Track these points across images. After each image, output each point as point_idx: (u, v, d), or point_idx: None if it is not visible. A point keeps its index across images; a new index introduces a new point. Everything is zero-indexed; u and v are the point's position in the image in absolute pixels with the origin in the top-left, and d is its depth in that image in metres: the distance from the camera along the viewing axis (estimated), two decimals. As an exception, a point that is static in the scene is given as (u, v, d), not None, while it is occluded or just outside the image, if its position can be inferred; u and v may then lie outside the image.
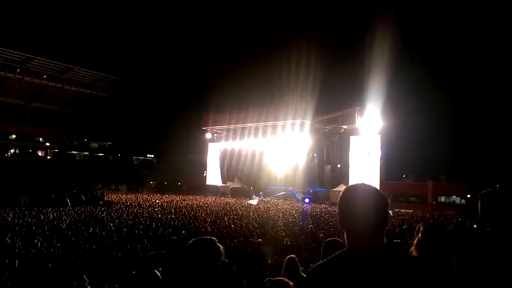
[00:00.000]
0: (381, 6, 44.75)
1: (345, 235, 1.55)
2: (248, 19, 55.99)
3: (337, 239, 3.05)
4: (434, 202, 32.58)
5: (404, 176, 39.30)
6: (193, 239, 2.34)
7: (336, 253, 1.54)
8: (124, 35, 52.57)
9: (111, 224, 12.36)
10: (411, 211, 22.28)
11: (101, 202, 24.45)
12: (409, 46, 39.86)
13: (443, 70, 39.36)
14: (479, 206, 2.37)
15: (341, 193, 1.60)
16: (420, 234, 2.32)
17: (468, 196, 28.08)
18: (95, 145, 58.18)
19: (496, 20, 37.07)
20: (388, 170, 37.06)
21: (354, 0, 46.89)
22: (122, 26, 51.93)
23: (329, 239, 3.04)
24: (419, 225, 2.50)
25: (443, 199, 33.76)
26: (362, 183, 1.60)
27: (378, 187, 1.69)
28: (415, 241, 2.29)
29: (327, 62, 39.08)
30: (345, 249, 1.52)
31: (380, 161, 35.69)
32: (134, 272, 5.70)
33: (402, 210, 21.92)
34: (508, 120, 34.70)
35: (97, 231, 10.57)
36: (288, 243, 9.18)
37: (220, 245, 2.23)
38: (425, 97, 36.12)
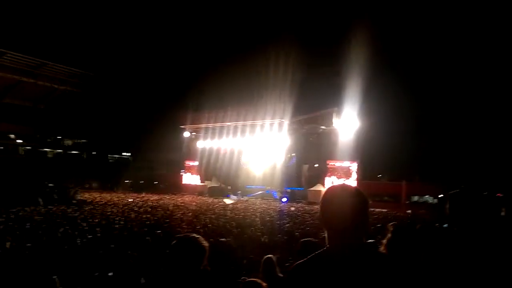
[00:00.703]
0: (358, 12, 45.59)
1: (326, 234, 1.56)
2: (227, 20, 55.83)
3: (312, 239, 3.08)
4: (407, 202, 33.40)
5: (379, 176, 40.11)
6: (178, 237, 2.27)
7: (317, 252, 1.55)
8: (100, 30, 51.42)
9: (84, 224, 12.08)
10: (385, 210, 22.74)
11: (75, 201, 23.83)
12: (384, 51, 40.74)
13: (415, 75, 40.44)
14: (447, 206, 2.47)
15: (323, 193, 1.62)
16: (389, 234, 2.38)
17: (440, 196, 28.90)
18: (69, 142, 56.71)
19: (461, 29, 38.44)
20: (363, 170, 37.76)
21: (332, 5, 47.50)
22: (98, 21, 50.79)
23: (304, 239, 3.07)
24: (389, 224, 2.56)
25: (416, 198, 34.66)
26: (344, 184, 1.64)
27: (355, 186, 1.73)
28: (384, 241, 2.35)
29: (305, 63, 39.35)
30: (325, 248, 1.54)
31: (357, 161, 36.32)
32: (108, 273, 5.59)
33: (376, 209, 22.36)
34: (477, 124, 35.96)
35: (70, 231, 10.30)
36: (266, 241, 9.21)
37: (205, 244, 2.17)
38: (400, 100, 36.98)
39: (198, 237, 2.22)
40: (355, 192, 1.57)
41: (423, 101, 39.08)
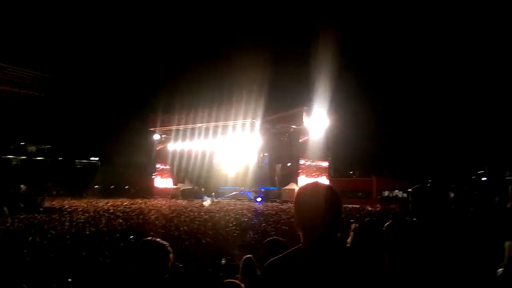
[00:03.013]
0: (326, 13, 46.41)
1: (300, 232, 1.58)
2: (195, 20, 55.39)
3: (277, 238, 3.11)
4: (378, 197, 34.27)
5: (350, 172, 40.95)
6: (140, 242, 2.29)
7: (291, 249, 1.57)
8: (63, 31, 49.73)
9: (53, 232, 11.64)
10: (358, 206, 23.23)
11: (42, 209, 22.94)
12: (351, 50, 41.73)
13: (380, 73, 41.69)
14: (409, 200, 2.59)
15: (296, 192, 1.64)
16: (352, 232, 2.46)
17: (409, 190, 29.85)
18: (33, 148, 54.45)
19: (427, 33, 39.98)
20: (335, 168, 38.45)
21: (300, 6, 48.12)
22: (60, 22, 49.09)
23: (269, 238, 3.10)
24: (352, 223, 2.62)
25: (386, 193, 35.63)
26: (315, 182, 1.66)
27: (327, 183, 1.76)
28: (349, 239, 2.41)
29: (274, 63, 39.66)
30: (299, 245, 1.55)
31: (328, 159, 36.92)
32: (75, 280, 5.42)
33: (349, 205, 22.78)
34: (442, 121, 37.43)
35: (37, 239, 9.91)
36: (243, 241, 9.20)
37: (167, 245, 2.19)
38: (367, 98, 38.01)
39: (158, 240, 2.25)
40: (327, 190, 1.59)
41: (389, 98, 40.28)
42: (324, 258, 1.47)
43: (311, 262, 1.47)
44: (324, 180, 32.78)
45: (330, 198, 1.56)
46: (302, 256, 1.50)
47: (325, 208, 1.53)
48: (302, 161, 35.52)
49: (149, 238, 2.30)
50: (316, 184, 1.65)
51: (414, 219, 2.66)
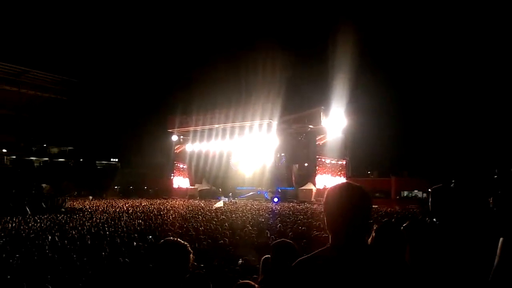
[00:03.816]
0: (344, 12, 46.01)
1: (329, 233, 1.57)
2: (214, 22, 55.76)
3: (286, 240, 3.08)
4: (397, 197, 33.73)
5: (368, 172, 40.46)
6: (160, 242, 2.31)
7: (320, 249, 1.57)
8: (84, 36, 50.82)
9: (73, 232, 11.89)
10: (376, 206, 22.90)
11: (63, 210, 23.48)
12: (370, 49, 41.24)
13: (401, 73, 41.03)
14: (430, 200, 2.53)
15: (326, 192, 1.62)
16: (373, 233, 2.42)
17: (429, 190, 29.29)
18: (55, 150, 55.84)
19: (442, 31, 39.21)
20: (353, 167, 38.05)
21: (319, 5, 47.87)
22: (81, 27, 50.19)
23: (278, 240, 3.06)
24: (371, 224, 2.57)
25: (405, 193, 35.03)
26: (347, 182, 1.63)
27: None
28: (369, 240, 2.38)
29: (292, 63, 39.54)
30: (327, 246, 1.55)
31: (346, 159, 36.58)
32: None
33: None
34: (463, 121, 36.59)
35: (58, 239, 10.13)
36: (260, 242, 9.17)
37: (187, 245, 2.20)
38: (386, 97, 37.44)
39: (179, 241, 2.25)
40: (358, 191, 1.57)
41: (408, 98, 39.62)
42: (352, 259, 1.46)
43: (339, 263, 1.46)
44: (342, 180, 32.49)
45: (361, 200, 1.55)
46: (330, 257, 1.50)
47: (355, 210, 1.52)
48: (319, 161, 35.28)
49: (170, 238, 2.31)
50: (347, 184, 1.63)
51: (434, 220, 2.60)
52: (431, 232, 2.36)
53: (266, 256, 3.18)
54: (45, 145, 53.65)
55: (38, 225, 14.72)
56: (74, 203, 28.42)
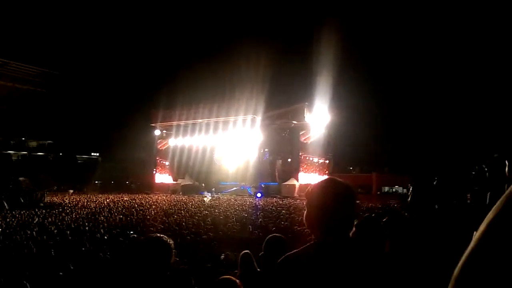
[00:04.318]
0: (328, 9, 46.26)
1: (312, 229, 1.57)
2: (197, 17, 55.18)
3: (278, 235, 3.11)
4: (378, 193, 34.28)
5: (350, 168, 40.95)
6: (142, 238, 2.29)
7: (305, 245, 1.57)
8: (64, 27, 49.62)
9: (53, 227, 11.67)
10: (358, 202, 23.18)
11: (42, 205, 23.00)
12: (352, 46, 41.61)
13: (381, 71, 41.61)
14: (410, 196, 2.62)
15: (310, 188, 1.62)
16: (354, 228, 2.47)
17: (409, 185, 29.84)
18: (34, 144, 54.57)
19: (423, 29, 39.87)
20: (335, 163, 38.45)
21: (303, 2, 48.00)
22: (61, 17, 48.98)
23: (270, 235, 3.08)
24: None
25: (386, 189, 35.63)
26: (331, 178, 1.63)
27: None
28: (350, 234, 2.43)
29: (275, 58, 39.62)
30: (312, 242, 1.56)
31: (329, 155, 36.91)
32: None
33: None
34: (442, 118, 37.36)
35: (37, 235, 9.92)
36: (243, 237, 9.20)
37: (170, 242, 2.19)
38: (368, 94, 37.95)
39: (162, 236, 2.24)
40: (343, 187, 1.57)
41: (390, 95, 40.21)
42: (338, 255, 1.47)
43: (326, 258, 1.47)
44: (325, 176, 32.84)
45: (346, 195, 1.55)
46: (316, 253, 1.50)
47: (341, 206, 1.52)
48: (302, 157, 35.51)
49: (153, 234, 2.29)
50: (332, 180, 1.63)
51: (413, 214, 2.67)
52: (410, 226, 2.42)
53: (245, 251, 3.20)
54: (23, 138, 52.36)
55: (16, 220, 14.40)
56: (54, 198, 27.87)
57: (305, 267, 1.48)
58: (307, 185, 22.46)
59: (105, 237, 9.49)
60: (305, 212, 1.61)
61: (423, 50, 40.03)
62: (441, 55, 38.65)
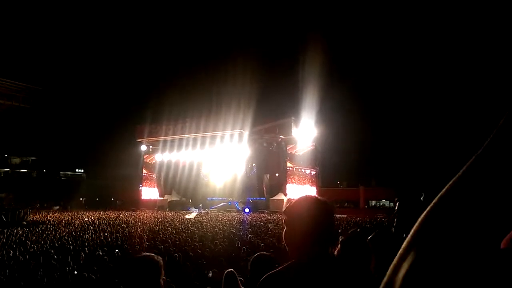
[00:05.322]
0: (314, 25, 47.12)
1: (290, 246, 1.57)
2: (183, 32, 55.57)
3: (264, 253, 3.09)
4: (366, 206, 34.44)
5: (338, 182, 41.13)
6: (132, 257, 2.25)
7: (286, 264, 1.57)
8: (48, 42, 49.32)
9: (36, 246, 11.37)
10: (345, 216, 23.28)
11: (25, 223, 22.42)
12: (339, 61, 42.29)
13: (369, 84, 42.32)
14: (396, 213, 2.63)
15: (287, 207, 1.63)
16: (339, 245, 2.47)
17: (396, 199, 30.08)
18: (16, 160, 53.49)
19: (411, 45, 40.82)
20: (323, 177, 38.61)
21: (288, 18, 48.84)
22: (44, 32, 48.70)
23: (256, 254, 3.07)
24: (339, 235, 2.63)
25: (373, 203, 35.83)
26: (307, 196, 1.64)
27: (316, 194, 1.76)
28: (335, 252, 2.42)
29: (262, 74, 39.96)
30: (293, 260, 1.55)
31: (316, 169, 37.06)
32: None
33: (337, 216, 22.82)
34: (428, 131, 37.97)
35: (19, 254, 9.65)
36: (231, 253, 9.11)
37: (159, 260, 2.16)
38: (354, 108, 38.43)
39: (151, 255, 2.21)
40: (319, 203, 1.59)
41: (375, 109, 40.80)
42: (319, 273, 1.46)
43: (304, 278, 1.46)
44: (312, 191, 32.89)
45: (323, 211, 1.55)
46: (297, 272, 1.48)
47: (319, 221, 1.52)
48: (290, 171, 35.57)
49: (142, 253, 2.25)
50: (307, 197, 1.64)
51: (401, 234, 2.69)
52: (396, 243, 2.44)
53: (228, 270, 3.18)
54: (6, 155, 51.29)
55: (-3, 239, 13.98)
56: (37, 216, 27.20)
57: (287, 286, 1.48)
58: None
59: (90, 256, 9.29)
60: (284, 230, 1.62)
61: (407, 64, 40.85)
62: (427, 68, 39.47)
